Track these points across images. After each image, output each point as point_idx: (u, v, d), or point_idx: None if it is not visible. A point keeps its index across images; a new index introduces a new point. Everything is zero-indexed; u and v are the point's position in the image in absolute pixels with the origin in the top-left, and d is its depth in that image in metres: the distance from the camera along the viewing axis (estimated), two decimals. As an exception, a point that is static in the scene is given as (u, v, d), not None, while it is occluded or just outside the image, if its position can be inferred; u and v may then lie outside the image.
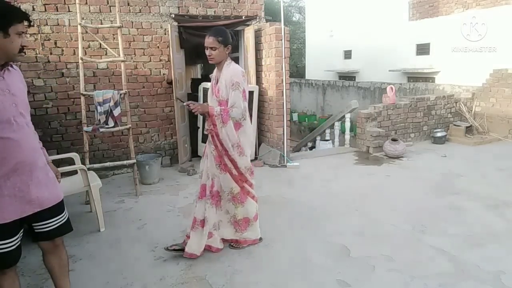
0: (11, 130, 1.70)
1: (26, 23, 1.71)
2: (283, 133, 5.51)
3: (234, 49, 6.51)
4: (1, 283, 1.85)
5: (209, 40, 2.62)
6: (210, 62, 2.72)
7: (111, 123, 4.07)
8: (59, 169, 3.46)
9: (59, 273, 2.08)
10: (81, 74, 4.12)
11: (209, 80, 7.13)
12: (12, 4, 1.65)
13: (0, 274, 1.83)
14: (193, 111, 2.59)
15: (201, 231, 2.83)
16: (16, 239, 1.81)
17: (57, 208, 1.96)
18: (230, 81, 2.63)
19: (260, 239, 3.10)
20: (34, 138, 1.92)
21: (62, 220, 2.01)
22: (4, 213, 1.73)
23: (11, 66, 1.82)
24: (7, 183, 1.73)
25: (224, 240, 3.00)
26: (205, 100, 5.72)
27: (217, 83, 2.75)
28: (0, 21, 1.59)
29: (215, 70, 2.83)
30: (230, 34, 2.69)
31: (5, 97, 1.70)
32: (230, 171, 2.79)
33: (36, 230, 1.93)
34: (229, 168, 2.78)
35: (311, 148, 7.97)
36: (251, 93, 5.62)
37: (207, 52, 2.64)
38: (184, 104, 2.69)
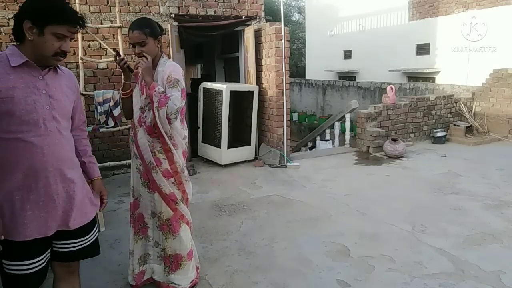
0: (36, 134, 1.50)
1: (76, 27, 1.52)
2: (283, 133, 5.51)
3: (234, 49, 6.53)
4: None
5: (134, 35, 2.13)
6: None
7: (111, 123, 4.07)
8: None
9: None
10: (81, 74, 4.12)
11: (209, 80, 7.13)
12: (62, 3, 1.47)
13: None
14: (136, 66, 2.18)
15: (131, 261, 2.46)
16: (37, 261, 1.55)
17: (82, 229, 1.68)
18: (167, 78, 2.18)
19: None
20: (67, 147, 1.63)
21: (86, 242, 1.72)
22: (26, 230, 1.50)
23: (59, 68, 1.69)
24: (29, 196, 1.50)
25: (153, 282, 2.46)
26: (205, 100, 5.73)
27: (152, 88, 2.20)
28: (38, 18, 1.42)
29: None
30: (157, 24, 2.25)
31: (39, 97, 1.52)
32: (160, 190, 2.25)
33: (53, 249, 1.66)
34: (158, 185, 2.24)
35: (311, 148, 7.97)
36: (251, 93, 5.63)
37: (136, 50, 2.16)
38: (120, 58, 2.20)
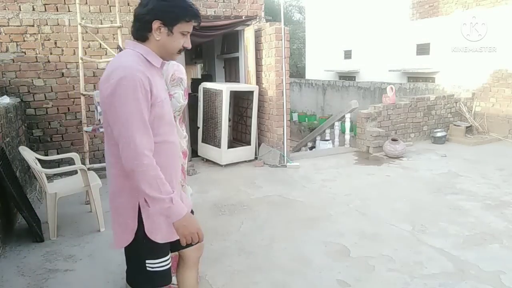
0: (173, 133, 1.54)
1: (194, 23, 1.53)
2: (283, 133, 5.51)
3: (234, 49, 6.52)
4: None
5: None
6: None
7: (111, 123, 4.06)
8: (59, 169, 3.48)
9: None
10: (81, 74, 4.13)
11: (209, 80, 7.12)
12: (186, 1, 1.48)
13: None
14: None
15: None
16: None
17: None
18: (171, 77, 2.20)
19: None
20: None
21: None
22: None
23: None
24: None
25: None
26: (205, 100, 5.73)
27: None
28: (169, 18, 1.43)
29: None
30: None
31: (167, 96, 1.54)
32: None
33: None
34: None
35: (311, 148, 7.97)
36: (251, 93, 5.63)
37: None
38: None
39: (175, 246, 1.64)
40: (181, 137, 2.31)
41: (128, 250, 1.56)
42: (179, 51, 1.53)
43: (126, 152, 1.34)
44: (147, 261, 1.53)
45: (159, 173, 1.38)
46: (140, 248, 1.51)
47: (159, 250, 1.54)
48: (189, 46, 1.55)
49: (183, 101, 2.16)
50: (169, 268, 1.61)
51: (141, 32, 1.45)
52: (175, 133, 1.57)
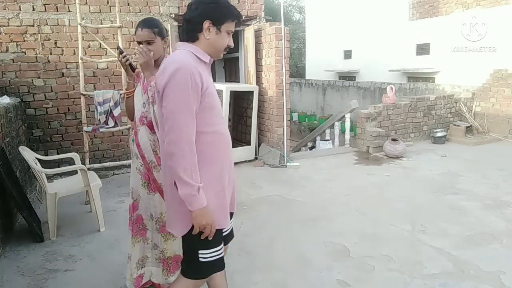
0: (224, 125, 1.68)
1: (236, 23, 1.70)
2: (283, 133, 5.51)
3: (234, 49, 6.52)
4: (220, 283, 1.84)
5: (143, 33, 2.13)
6: None
7: (111, 123, 4.07)
8: (59, 169, 3.48)
9: None
10: (81, 74, 4.12)
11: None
12: (230, 3, 1.65)
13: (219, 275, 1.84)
14: (134, 59, 2.17)
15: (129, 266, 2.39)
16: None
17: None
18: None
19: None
20: None
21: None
22: (227, 217, 1.69)
23: None
24: (226, 186, 1.66)
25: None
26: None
27: (149, 83, 2.17)
28: (217, 18, 1.58)
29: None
30: (163, 24, 2.26)
31: (215, 90, 1.68)
32: (161, 189, 2.19)
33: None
34: (159, 185, 2.20)
35: (311, 148, 7.97)
36: (251, 93, 5.63)
37: (143, 48, 2.14)
38: (122, 54, 2.27)
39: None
40: None
41: (184, 240, 1.66)
42: (225, 49, 1.67)
43: (170, 136, 1.47)
44: (199, 251, 1.61)
45: (195, 162, 1.49)
46: (194, 237, 1.58)
47: (212, 240, 1.61)
48: (232, 44, 1.68)
49: None
50: (222, 258, 1.69)
51: (192, 33, 1.61)
52: (226, 126, 1.69)
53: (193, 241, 1.60)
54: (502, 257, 2.81)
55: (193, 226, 1.55)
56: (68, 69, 4.84)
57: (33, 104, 4.74)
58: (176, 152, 1.45)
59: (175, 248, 2.30)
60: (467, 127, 7.05)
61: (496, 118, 7.04)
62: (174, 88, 1.46)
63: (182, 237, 1.64)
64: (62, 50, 4.79)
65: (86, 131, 4.08)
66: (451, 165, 5.32)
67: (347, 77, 14.24)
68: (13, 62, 4.60)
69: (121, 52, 2.26)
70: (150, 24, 2.17)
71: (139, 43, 2.18)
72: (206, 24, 1.56)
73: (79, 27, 4.08)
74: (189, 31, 1.61)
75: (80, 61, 4.10)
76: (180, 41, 1.69)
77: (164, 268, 2.33)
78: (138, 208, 2.33)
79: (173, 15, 5.27)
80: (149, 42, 2.15)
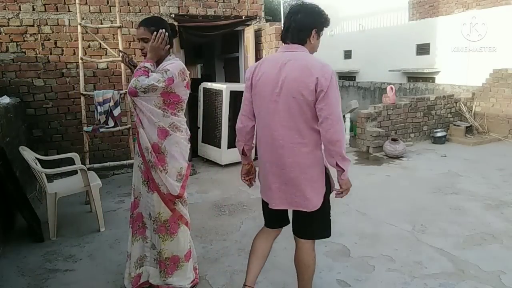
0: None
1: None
2: (283, 133, 5.49)
3: (234, 49, 6.52)
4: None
5: (139, 31, 2.19)
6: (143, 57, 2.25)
7: (111, 123, 4.07)
8: (59, 169, 3.48)
9: (298, 273, 2.25)
10: (81, 74, 4.12)
11: (209, 80, 7.11)
12: (325, 13, 1.95)
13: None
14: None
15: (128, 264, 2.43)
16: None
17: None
18: (162, 67, 2.18)
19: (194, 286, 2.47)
20: None
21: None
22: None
23: None
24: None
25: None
26: (205, 100, 5.72)
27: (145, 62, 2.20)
28: (321, 26, 1.93)
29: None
30: (167, 24, 2.26)
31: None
32: (158, 189, 2.23)
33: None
34: (157, 185, 2.22)
35: (311, 148, 7.96)
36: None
37: (140, 45, 2.23)
38: (122, 53, 2.47)
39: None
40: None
41: (319, 209, 1.95)
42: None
43: (336, 126, 1.77)
44: (330, 213, 2.06)
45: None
46: (327, 205, 2.01)
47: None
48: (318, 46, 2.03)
49: (155, 82, 2.05)
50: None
51: (302, 36, 1.90)
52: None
53: (326, 207, 2.01)
54: (502, 257, 2.81)
55: (325, 196, 1.97)
56: (68, 69, 4.84)
57: (33, 104, 4.74)
58: (341, 139, 1.79)
59: (173, 248, 2.30)
60: (467, 127, 7.05)
61: (496, 118, 7.04)
62: (335, 87, 1.78)
63: (318, 208, 1.94)
64: (62, 50, 4.79)
65: (86, 131, 4.08)
66: (451, 165, 5.32)
67: (347, 77, 14.23)
68: (13, 62, 4.60)
69: (124, 54, 2.42)
70: (147, 22, 2.22)
71: (138, 41, 2.25)
72: (313, 31, 1.90)
73: (79, 27, 4.08)
74: (301, 34, 1.90)
75: (80, 61, 4.10)
76: (283, 41, 1.97)
77: (161, 269, 2.33)
78: (139, 206, 2.34)
79: (173, 15, 5.26)
80: (144, 40, 2.19)
